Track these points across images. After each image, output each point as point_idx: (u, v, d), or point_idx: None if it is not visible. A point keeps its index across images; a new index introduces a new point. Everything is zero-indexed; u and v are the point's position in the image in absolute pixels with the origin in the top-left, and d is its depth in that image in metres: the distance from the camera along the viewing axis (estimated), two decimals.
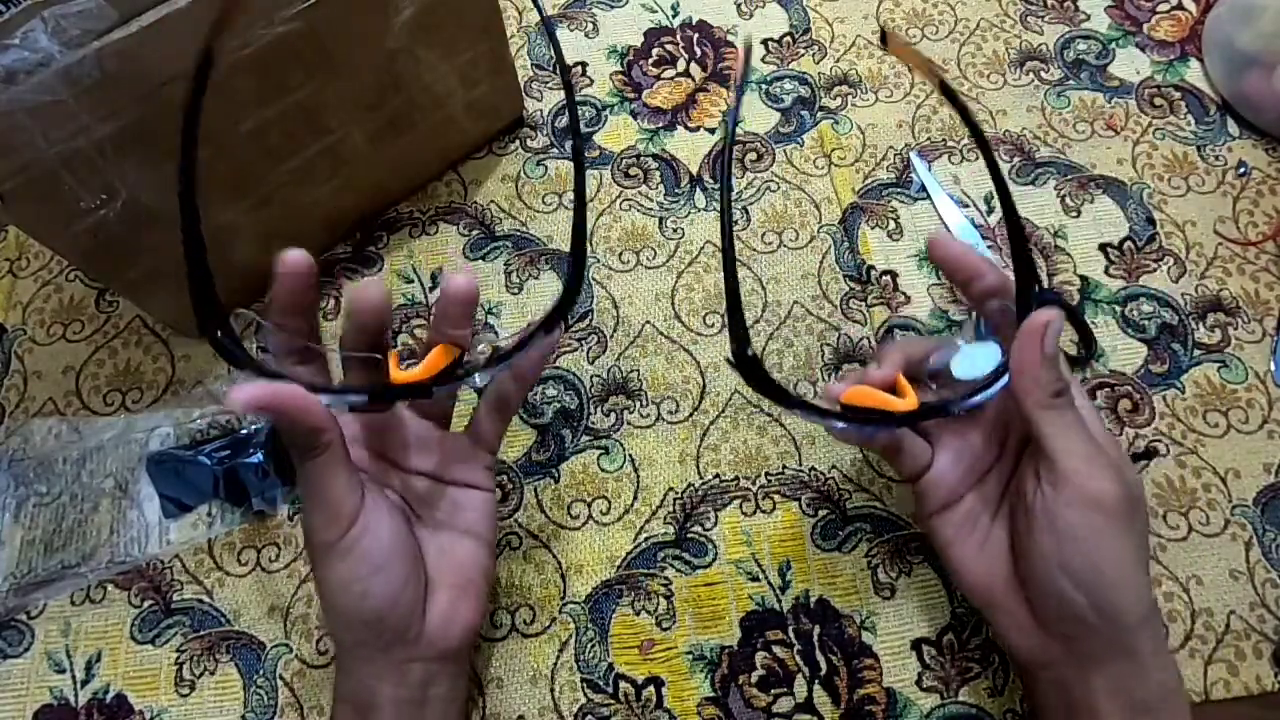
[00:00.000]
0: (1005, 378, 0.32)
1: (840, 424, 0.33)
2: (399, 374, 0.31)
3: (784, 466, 0.44)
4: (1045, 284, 0.47)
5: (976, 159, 0.52)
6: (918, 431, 0.36)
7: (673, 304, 0.48)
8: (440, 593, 0.33)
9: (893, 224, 0.50)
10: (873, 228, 0.50)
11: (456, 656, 0.34)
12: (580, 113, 0.55)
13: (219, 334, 0.29)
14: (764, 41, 0.57)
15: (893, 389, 0.34)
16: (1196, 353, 0.46)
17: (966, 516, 0.35)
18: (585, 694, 0.39)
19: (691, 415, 0.45)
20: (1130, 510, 0.30)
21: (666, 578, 0.41)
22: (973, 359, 0.33)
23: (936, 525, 0.35)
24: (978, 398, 0.33)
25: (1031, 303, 0.32)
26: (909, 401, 0.33)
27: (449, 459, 0.35)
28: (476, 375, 0.32)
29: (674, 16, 0.59)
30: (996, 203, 0.50)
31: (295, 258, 0.30)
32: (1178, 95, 0.54)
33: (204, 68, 0.29)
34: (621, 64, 0.57)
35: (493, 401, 0.35)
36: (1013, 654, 0.34)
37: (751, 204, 0.51)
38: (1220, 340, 0.46)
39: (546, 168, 0.53)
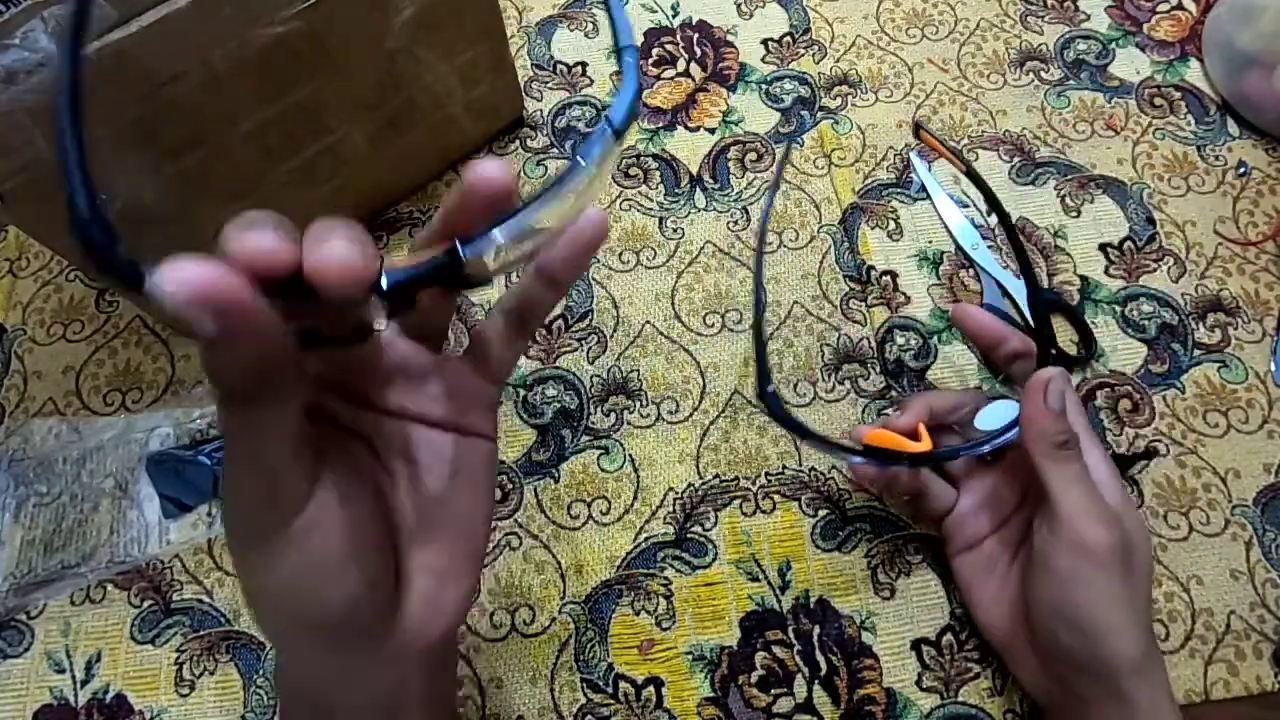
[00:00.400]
0: (1015, 429, 0.36)
1: (857, 459, 0.37)
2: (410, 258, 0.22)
3: (784, 466, 0.44)
4: (1046, 284, 0.48)
5: (976, 159, 0.52)
6: (945, 477, 0.39)
7: (673, 304, 0.48)
8: (420, 580, 0.24)
9: (893, 224, 0.50)
10: (873, 228, 0.50)
11: (436, 651, 0.26)
12: (580, 113, 0.55)
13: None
14: (764, 41, 0.57)
15: (914, 436, 0.37)
16: (1196, 353, 0.46)
17: (987, 559, 0.37)
18: (585, 694, 0.39)
19: (691, 415, 0.45)
20: (1124, 558, 0.31)
21: (666, 578, 0.41)
22: (994, 414, 0.37)
23: (959, 566, 0.38)
24: (986, 445, 0.37)
25: (1046, 363, 0.37)
26: (923, 444, 0.37)
27: (443, 394, 0.25)
28: (497, 230, 0.21)
29: (674, 16, 0.59)
30: None
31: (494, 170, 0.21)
32: (1178, 95, 0.54)
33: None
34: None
35: (512, 310, 0.26)
36: (1025, 692, 0.37)
37: (751, 204, 0.51)
38: (1220, 340, 0.46)
39: (546, 168, 0.53)
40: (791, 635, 0.40)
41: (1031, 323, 0.43)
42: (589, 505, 0.43)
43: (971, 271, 0.48)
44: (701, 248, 0.50)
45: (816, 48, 0.57)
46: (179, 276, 0.16)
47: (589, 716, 0.39)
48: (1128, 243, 0.49)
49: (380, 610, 0.24)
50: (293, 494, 0.21)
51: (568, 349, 0.47)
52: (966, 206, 0.51)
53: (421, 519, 0.25)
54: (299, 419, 0.21)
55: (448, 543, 0.25)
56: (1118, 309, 0.47)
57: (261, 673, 0.40)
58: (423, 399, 0.25)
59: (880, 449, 0.37)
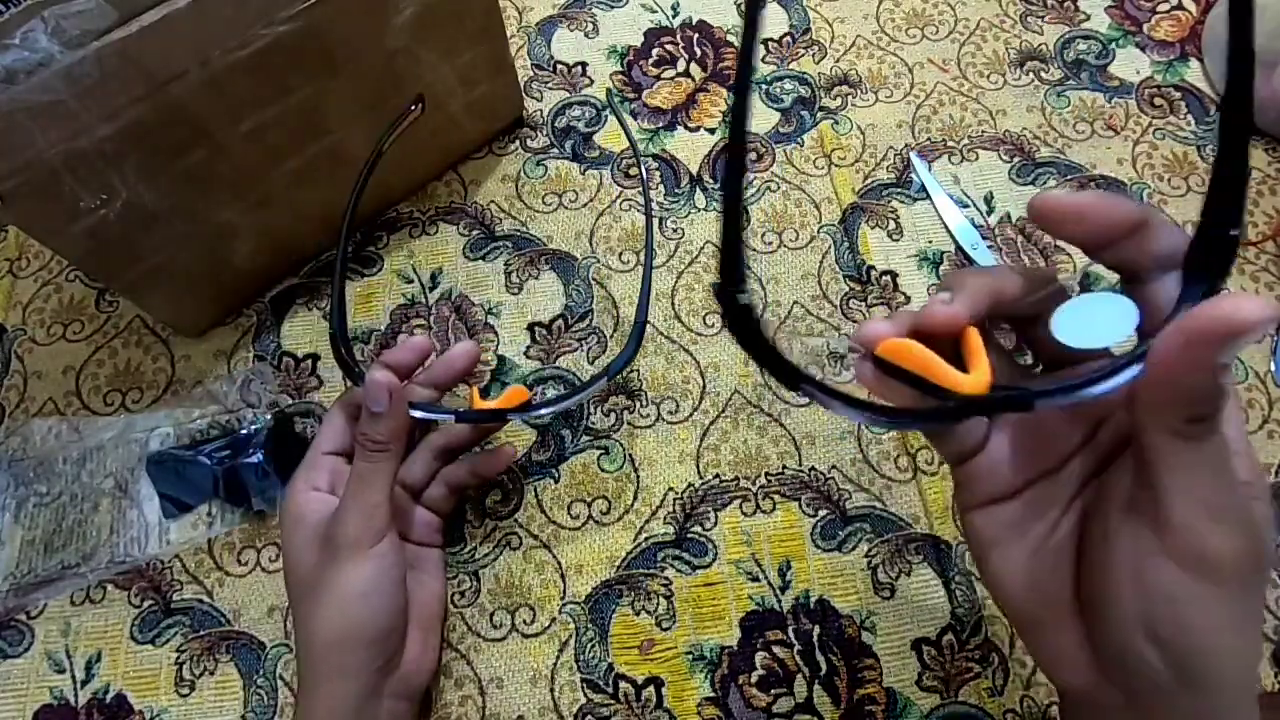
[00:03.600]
0: (1135, 369, 0.21)
1: (853, 413, 0.23)
2: (480, 402, 0.38)
3: (784, 466, 0.44)
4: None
5: (976, 159, 0.52)
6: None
7: (673, 304, 0.48)
8: (412, 631, 0.36)
9: (893, 224, 0.50)
10: (873, 228, 0.50)
11: (415, 697, 0.36)
12: (579, 113, 0.55)
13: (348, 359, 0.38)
14: (764, 41, 0.57)
15: (958, 344, 0.23)
16: None
17: (1021, 514, 0.26)
18: (585, 694, 0.39)
19: (691, 415, 0.45)
20: (1250, 574, 0.22)
21: (666, 578, 0.41)
22: (1090, 316, 0.21)
23: (977, 521, 0.27)
24: (1081, 392, 0.21)
25: (1216, 275, 0.20)
26: (976, 379, 0.22)
27: (417, 523, 0.39)
28: (544, 410, 0.38)
29: (674, 16, 0.59)
30: (997, 203, 0.51)
31: (473, 351, 0.39)
32: (1178, 95, 0.54)
33: (371, 165, 0.40)
34: (621, 64, 0.57)
35: (451, 481, 0.40)
36: (1055, 683, 0.28)
37: (751, 204, 0.51)
38: None
39: (546, 168, 0.53)
40: (791, 635, 0.40)
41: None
42: (589, 505, 0.43)
43: None
44: (701, 248, 0.50)
45: (816, 48, 0.57)
46: (376, 376, 0.34)
47: (589, 716, 0.39)
48: None
49: (399, 642, 0.35)
50: (380, 525, 0.33)
51: (568, 349, 0.47)
52: (966, 206, 0.51)
53: (409, 587, 0.36)
54: (394, 478, 0.34)
55: (425, 605, 0.38)
56: None
57: (261, 673, 0.40)
58: (407, 526, 0.39)
59: (898, 371, 0.22)
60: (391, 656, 0.34)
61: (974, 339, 0.23)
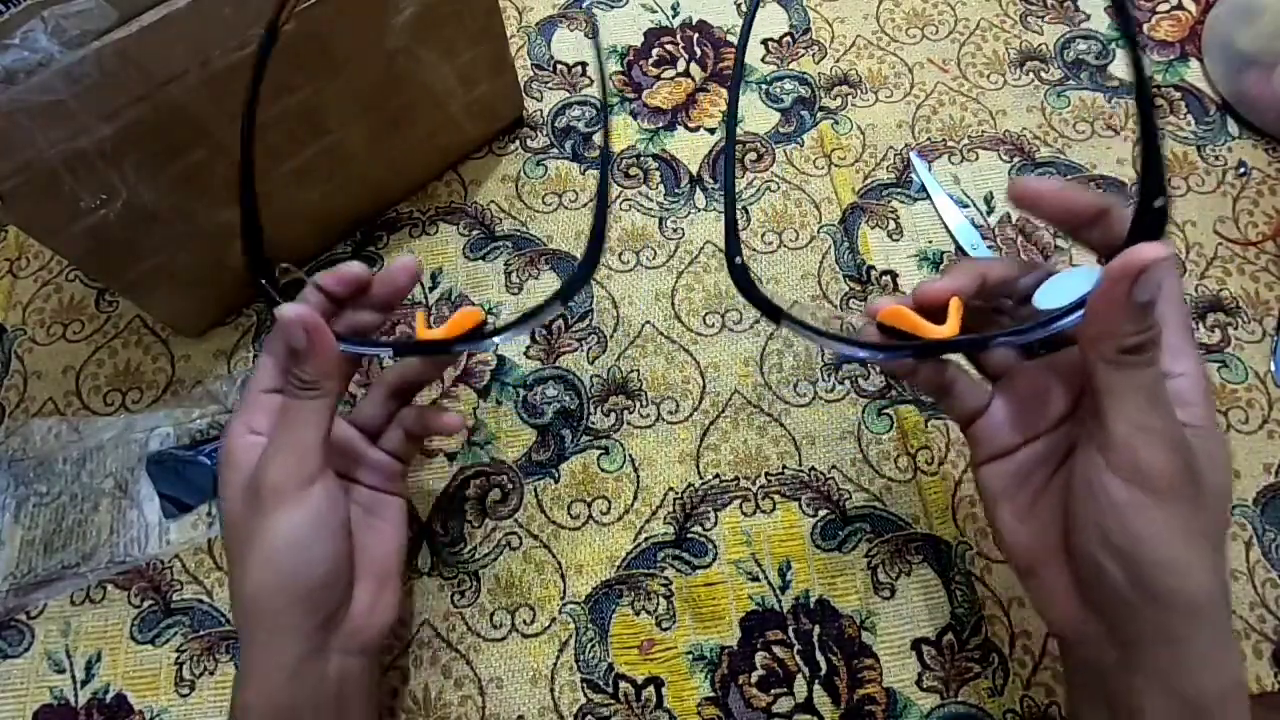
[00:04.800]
0: (1074, 315, 0.26)
1: (845, 348, 0.30)
2: (425, 332, 0.33)
3: (784, 466, 0.44)
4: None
5: (976, 159, 0.52)
6: (982, 370, 0.32)
7: (673, 304, 0.48)
8: (362, 581, 0.33)
9: (893, 224, 0.50)
10: (873, 228, 0.50)
11: (371, 652, 0.34)
12: (580, 113, 0.55)
13: (265, 280, 0.33)
14: (764, 41, 0.57)
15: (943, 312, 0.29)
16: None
17: (1020, 470, 0.30)
18: (585, 694, 0.39)
19: (691, 415, 0.45)
20: (1187, 490, 0.26)
21: (666, 578, 0.41)
22: (1064, 288, 0.27)
23: (985, 476, 0.31)
24: (1027, 333, 0.27)
25: (1151, 230, 0.25)
26: (945, 330, 0.28)
27: (372, 468, 0.37)
28: (496, 338, 0.33)
29: (674, 16, 0.59)
30: (997, 203, 0.51)
31: (411, 263, 0.34)
32: (1178, 95, 0.54)
33: (267, 45, 0.34)
34: (621, 64, 0.57)
35: (407, 425, 0.38)
36: (1050, 626, 0.31)
37: (751, 204, 0.51)
38: (1220, 340, 0.46)
39: (546, 168, 0.53)
40: (791, 635, 0.40)
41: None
42: (589, 505, 0.43)
43: None
44: (701, 248, 0.50)
45: (816, 48, 0.57)
46: (287, 312, 0.30)
47: (589, 716, 0.39)
48: None
49: (342, 593, 0.32)
50: (311, 468, 0.30)
51: (568, 349, 0.47)
52: (966, 206, 0.51)
53: (361, 537, 0.34)
54: (330, 421, 0.31)
55: (380, 557, 0.35)
56: None
57: None
58: (360, 471, 0.36)
59: (889, 329, 0.29)
60: (335, 611, 0.31)
61: (955, 306, 0.29)
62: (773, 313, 0.31)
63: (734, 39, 0.57)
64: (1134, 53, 0.26)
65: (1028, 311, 0.28)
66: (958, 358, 0.32)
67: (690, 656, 0.40)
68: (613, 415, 0.45)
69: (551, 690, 0.39)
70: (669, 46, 0.57)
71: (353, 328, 0.34)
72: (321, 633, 0.31)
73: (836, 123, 0.54)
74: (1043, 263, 0.30)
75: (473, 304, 0.49)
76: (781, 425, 0.45)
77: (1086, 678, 0.30)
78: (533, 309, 0.32)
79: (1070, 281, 0.27)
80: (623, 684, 0.39)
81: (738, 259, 0.31)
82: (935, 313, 0.29)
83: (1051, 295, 0.27)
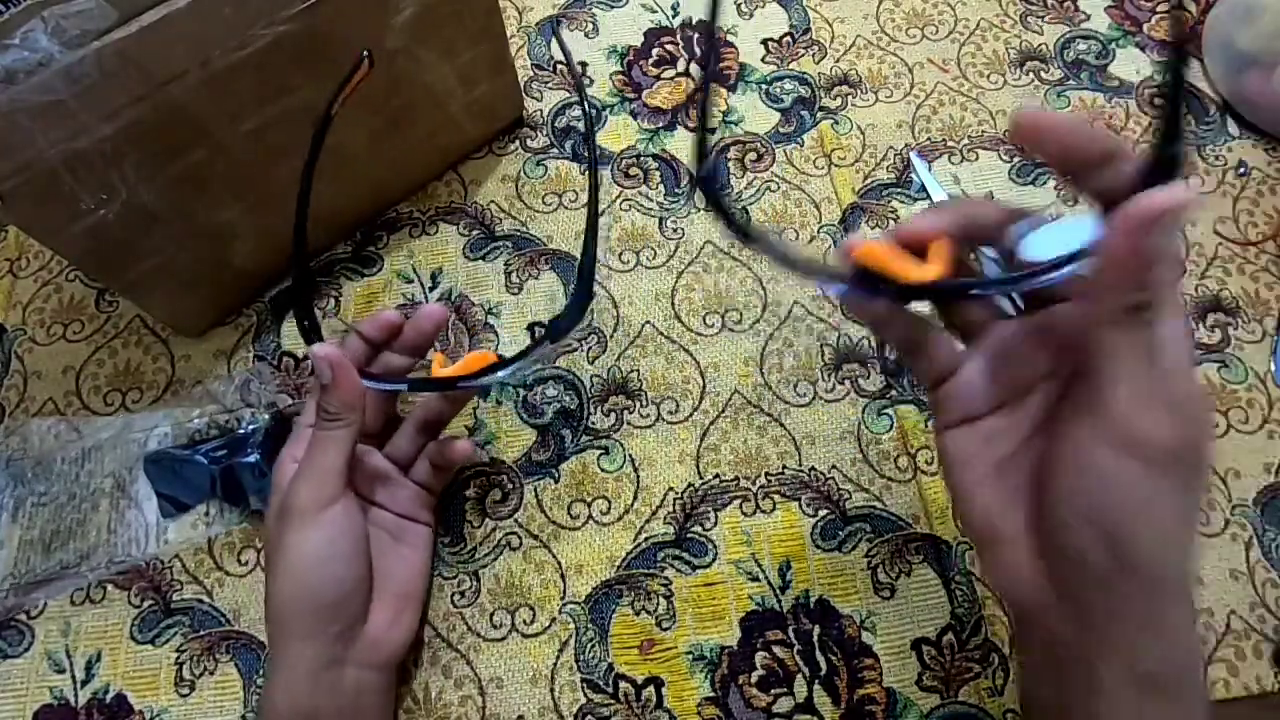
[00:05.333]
0: (1069, 267, 0.24)
1: (829, 285, 0.29)
2: (439, 370, 0.37)
3: (784, 466, 0.44)
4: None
5: (976, 159, 0.52)
6: (954, 324, 0.30)
7: (673, 304, 0.48)
8: (382, 600, 0.36)
9: (892, 224, 0.50)
10: (873, 228, 0.50)
11: (389, 668, 0.37)
12: (580, 113, 0.55)
13: (312, 333, 0.38)
14: (764, 41, 0.57)
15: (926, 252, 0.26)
16: (1197, 353, 0.46)
17: (989, 435, 0.28)
18: (585, 694, 0.39)
19: (691, 415, 0.45)
20: (1181, 464, 0.24)
21: (666, 578, 0.41)
22: (1053, 239, 0.24)
23: (950, 440, 0.29)
24: (1017, 283, 0.25)
25: (1164, 178, 0.23)
26: (923, 274, 0.25)
27: (401, 496, 0.40)
28: (498, 374, 0.37)
29: (674, 16, 0.59)
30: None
31: (439, 313, 0.39)
32: None
33: (322, 129, 0.39)
34: (621, 64, 0.57)
35: (432, 458, 0.41)
36: (1005, 598, 0.30)
37: (751, 204, 0.51)
38: (1220, 340, 0.46)
39: (546, 168, 0.53)
40: (791, 635, 0.40)
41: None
42: (589, 505, 0.43)
43: None
44: (701, 248, 0.50)
45: (816, 48, 0.57)
46: (317, 350, 0.35)
47: (589, 716, 0.39)
48: None
49: (360, 609, 0.35)
50: (332, 491, 0.34)
51: (568, 349, 0.47)
52: None
53: (384, 559, 0.37)
54: (352, 449, 0.35)
55: (402, 579, 0.38)
56: None
57: (261, 673, 0.40)
58: (389, 498, 0.39)
59: (865, 271, 0.26)
60: (352, 623, 0.34)
61: (938, 247, 0.26)
62: (743, 234, 0.29)
63: (734, 39, 0.57)
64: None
65: (1014, 262, 0.26)
66: (933, 315, 0.30)
67: (690, 656, 0.40)
68: (613, 415, 0.45)
69: (551, 690, 0.39)
70: (669, 46, 0.57)
71: (387, 368, 0.39)
72: (339, 643, 0.34)
73: (836, 123, 0.54)
74: (1034, 211, 0.26)
75: (473, 304, 0.49)
76: (781, 425, 0.45)
77: (1040, 654, 0.28)
78: (521, 352, 0.37)
79: (1061, 233, 0.24)
80: (623, 684, 0.39)
81: (704, 174, 0.33)
82: (916, 255, 0.26)
83: (1039, 247, 0.25)
